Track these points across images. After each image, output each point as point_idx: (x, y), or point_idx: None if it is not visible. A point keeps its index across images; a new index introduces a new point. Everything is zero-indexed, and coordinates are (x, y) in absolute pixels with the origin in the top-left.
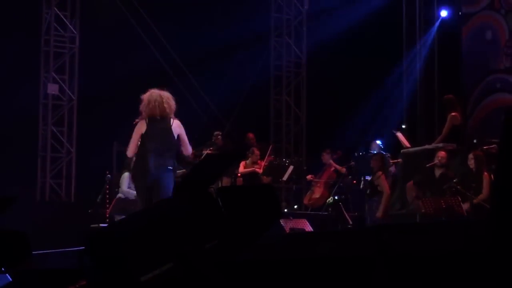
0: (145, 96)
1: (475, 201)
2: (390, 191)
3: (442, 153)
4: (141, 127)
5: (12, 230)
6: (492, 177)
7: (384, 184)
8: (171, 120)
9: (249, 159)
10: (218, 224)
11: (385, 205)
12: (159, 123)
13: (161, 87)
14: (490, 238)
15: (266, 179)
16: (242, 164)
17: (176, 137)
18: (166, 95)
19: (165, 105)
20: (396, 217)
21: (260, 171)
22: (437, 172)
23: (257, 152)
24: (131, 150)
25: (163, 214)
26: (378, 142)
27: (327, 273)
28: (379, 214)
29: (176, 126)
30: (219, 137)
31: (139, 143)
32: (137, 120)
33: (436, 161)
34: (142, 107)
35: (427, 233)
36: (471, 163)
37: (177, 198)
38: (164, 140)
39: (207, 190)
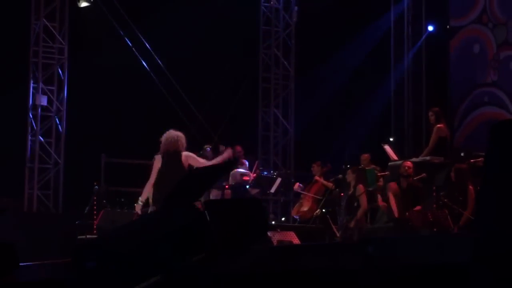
0: (164, 136)
1: (463, 218)
2: (367, 207)
3: (408, 164)
4: (158, 162)
5: None
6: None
7: (363, 199)
8: (181, 154)
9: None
10: (206, 237)
11: (359, 217)
12: (172, 156)
13: (175, 128)
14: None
15: (253, 191)
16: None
17: (187, 166)
18: (179, 135)
19: (179, 143)
20: (383, 230)
21: (250, 179)
22: (403, 183)
23: (245, 164)
24: (150, 182)
25: (151, 227)
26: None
27: (313, 287)
28: (351, 223)
29: (185, 158)
30: (208, 150)
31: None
32: (155, 156)
33: (403, 172)
34: (161, 144)
35: (412, 246)
36: (452, 176)
37: (165, 211)
38: (176, 171)
39: (194, 203)
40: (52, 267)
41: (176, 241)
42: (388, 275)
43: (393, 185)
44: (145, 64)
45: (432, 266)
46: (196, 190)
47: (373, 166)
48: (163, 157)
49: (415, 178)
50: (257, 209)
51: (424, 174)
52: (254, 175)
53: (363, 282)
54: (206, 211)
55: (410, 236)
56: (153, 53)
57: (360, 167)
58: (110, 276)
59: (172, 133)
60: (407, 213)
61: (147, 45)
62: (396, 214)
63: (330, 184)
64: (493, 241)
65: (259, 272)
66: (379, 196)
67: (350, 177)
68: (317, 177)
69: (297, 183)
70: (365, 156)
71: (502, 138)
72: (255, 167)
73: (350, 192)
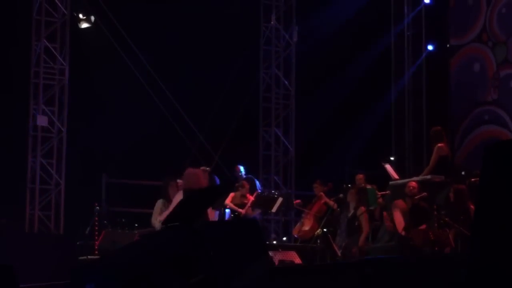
0: (185, 173)
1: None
2: (369, 229)
3: (412, 184)
4: (179, 196)
5: None
6: None
7: (364, 221)
8: None
9: (238, 191)
10: (204, 258)
11: (362, 243)
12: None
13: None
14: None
15: (253, 213)
16: (231, 195)
17: None
18: (199, 172)
19: (201, 181)
20: (384, 249)
21: (243, 212)
22: (408, 203)
23: (246, 185)
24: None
25: (149, 250)
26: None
27: None
28: (354, 249)
29: None
30: (206, 170)
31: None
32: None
33: (422, 193)
34: (184, 181)
35: (410, 267)
36: (451, 196)
37: (163, 233)
38: None
39: (192, 225)
40: None
41: (174, 264)
42: None
43: (400, 203)
44: (146, 85)
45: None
46: (194, 212)
47: (368, 186)
48: (185, 193)
49: (415, 197)
50: (254, 230)
51: (425, 193)
52: (254, 199)
53: None
54: (203, 233)
55: (408, 258)
56: (154, 74)
57: (362, 186)
58: None
59: (192, 171)
60: (406, 232)
61: (148, 66)
62: (400, 231)
63: (332, 203)
64: (488, 262)
65: None
66: (385, 214)
67: (351, 197)
68: (321, 194)
69: (297, 200)
70: (360, 176)
71: (496, 159)
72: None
73: (350, 213)
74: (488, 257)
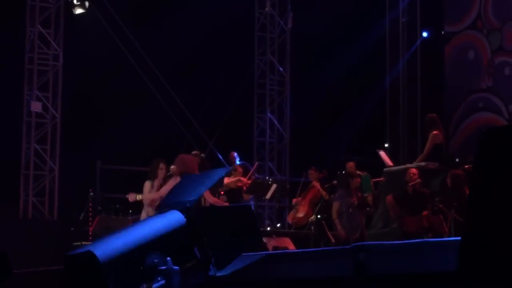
0: (179, 159)
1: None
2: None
3: (413, 170)
4: (175, 180)
5: None
6: None
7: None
8: None
9: (232, 175)
10: (198, 244)
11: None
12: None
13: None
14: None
15: (247, 197)
16: (225, 180)
17: None
18: (193, 158)
19: (196, 166)
20: (378, 236)
21: (245, 182)
22: (409, 189)
23: (239, 169)
24: (160, 193)
25: (143, 235)
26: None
27: None
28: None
29: None
30: (199, 155)
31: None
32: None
33: (417, 179)
34: (178, 166)
35: (403, 253)
36: (448, 181)
37: (158, 218)
38: None
39: (187, 210)
40: (45, 274)
41: (168, 248)
42: (379, 283)
43: (388, 198)
44: (140, 71)
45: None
46: (189, 196)
47: (359, 172)
48: (181, 177)
49: (409, 184)
50: (248, 216)
51: (419, 180)
52: (248, 181)
53: None
54: (197, 218)
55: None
56: (148, 60)
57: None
58: (103, 284)
59: (188, 156)
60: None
61: (142, 52)
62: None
63: (324, 193)
64: (480, 247)
65: (251, 279)
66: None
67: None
68: (314, 183)
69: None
70: (351, 164)
71: (490, 145)
72: (252, 170)
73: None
74: (481, 242)
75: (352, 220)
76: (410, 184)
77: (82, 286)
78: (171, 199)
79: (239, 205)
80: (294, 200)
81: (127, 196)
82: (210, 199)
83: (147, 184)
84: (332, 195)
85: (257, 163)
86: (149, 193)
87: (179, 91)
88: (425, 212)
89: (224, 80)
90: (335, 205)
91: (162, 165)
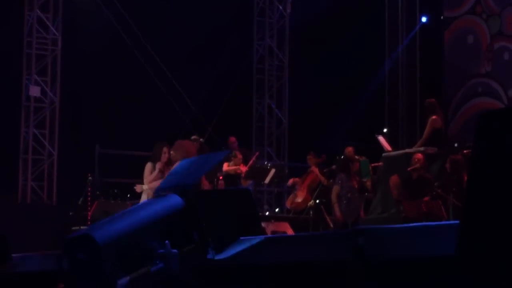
0: (178, 145)
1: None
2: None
3: (418, 155)
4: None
5: None
6: None
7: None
8: None
9: (232, 161)
10: (196, 227)
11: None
12: None
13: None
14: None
15: (245, 183)
16: (225, 165)
17: None
18: (191, 144)
19: (196, 152)
20: (377, 221)
21: (244, 170)
22: (414, 175)
23: (239, 155)
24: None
25: (141, 218)
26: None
27: (304, 277)
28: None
29: None
30: (198, 140)
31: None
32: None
33: (417, 165)
34: (177, 152)
35: (403, 237)
36: (448, 167)
37: (156, 201)
38: None
39: (185, 193)
40: (44, 258)
41: (166, 232)
42: (377, 267)
43: (394, 178)
44: (139, 56)
45: (425, 258)
46: (187, 179)
47: (357, 157)
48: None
49: (408, 169)
50: (247, 199)
51: (418, 165)
52: (247, 168)
53: (351, 274)
54: (196, 201)
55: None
56: (146, 44)
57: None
58: (101, 267)
59: (187, 142)
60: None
61: (141, 37)
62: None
63: (323, 179)
64: (479, 231)
65: (250, 262)
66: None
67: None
68: (313, 167)
69: (291, 180)
70: (349, 149)
71: (489, 128)
72: (252, 159)
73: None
74: (479, 226)
75: (350, 204)
76: (410, 168)
77: (81, 269)
78: (170, 182)
79: (238, 189)
80: (290, 181)
81: (135, 187)
82: (205, 186)
83: (148, 166)
84: (331, 180)
85: (257, 152)
86: (150, 175)
87: (177, 76)
88: (426, 198)
89: (223, 65)
90: (335, 189)
91: (165, 149)
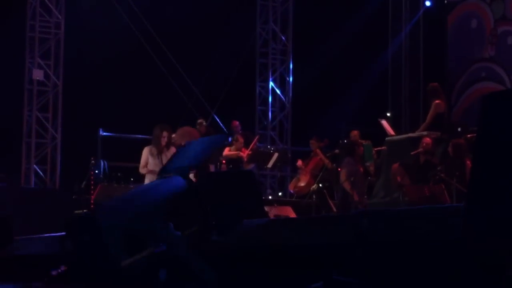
0: (183, 132)
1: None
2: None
3: (427, 140)
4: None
5: None
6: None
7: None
8: None
9: (233, 146)
10: (199, 209)
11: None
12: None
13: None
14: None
15: (247, 166)
16: (226, 150)
17: None
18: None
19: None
20: (379, 205)
21: (245, 155)
22: (421, 159)
23: (241, 139)
24: None
25: (144, 200)
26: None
27: (308, 260)
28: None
29: None
30: (203, 124)
31: None
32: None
33: (420, 148)
34: (181, 138)
35: (406, 220)
36: (450, 151)
37: (158, 183)
38: None
39: (188, 176)
40: (47, 240)
41: (169, 214)
42: (381, 249)
43: (395, 167)
44: (142, 40)
45: (427, 241)
46: (190, 162)
47: (364, 141)
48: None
49: (412, 153)
50: (251, 182)
51: (421, 149)
52: (249, 152)
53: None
54: (199, 184)
55: (406, 209)
56: (150, 28)
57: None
58: (104, 248)
59: (191, 129)
60: (403, 189)
61: (144, 20)
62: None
63: (327, 161)
64: (485, 213)
65: (253, 245)
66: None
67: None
68: (317, 151)
69: (300, 161)
70: (355, 133)
71: (494, 109)
72: (253, 142)
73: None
74: (485, 208)
75: (355, 188)
76: (414, 152)
77: (84, 251)
78: (173, 165)
79: (242, 171)
80: (299, 161)
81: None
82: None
83: (145, 151)
84: (334, 164)
85: (257, 136)
86: (145, 162)
87: (181, 59)
88: (430, 182)
89: (226, 48)
90: (343, 173)
91: (165, 133)
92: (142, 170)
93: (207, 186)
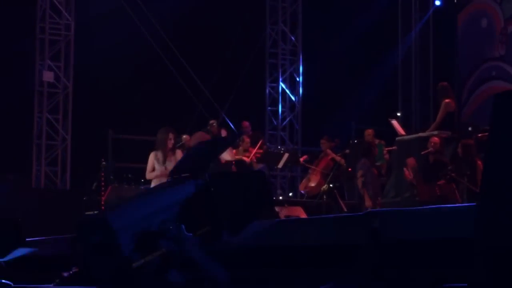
0: (198, 137)
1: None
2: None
3: (435, 139)
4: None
5: (5, 217)
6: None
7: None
8: None
9: (240, 147)
10: (210, 210)
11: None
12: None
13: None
14: (478, 224)
15: (257, 166)
16: (233, 152)
17: None
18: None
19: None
20: (390, 205)
21: (248, 160)
22: (431, 158)
23: (247, 139)
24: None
25: (155, 201)
26: None
27: (319, 260)
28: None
29: None
30: (214, 125)
31: None
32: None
33: (430, 148)
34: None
35: (417, 219)
36: (459, 151)
37: (169, 184)
38: None
39: (199, 177)
40: (58, 242)
41: (180, 215)
42: (393, 249)
43: (411, 161)
44: (152, 41)
45: (439, 240)
46: (199, 163)
47: (377, 141)
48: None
49: (422, 153)
50: (262, 182)
51: (431, 149)
52: (256, 153)
53: (367, 256)
54: (211, 185)
55: (418, 209)
56: (159, 29)
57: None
58: (115, 250)
59: (205, 135)
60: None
61: (154, 21)
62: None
63: (342, 160)
64: (497, 212)
65: (264, 245)
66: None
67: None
68: (328, 150)
69: (305, 156)
70: (369, 131)
71: (506, 107)
72: (259, 144)
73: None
74: (498, 208)
75: (368, 189)
76: (424, 152)
77: (95, 252)
78: (184, 166)
79: (253, 172)
80: (303, 158)
81: None
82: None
83: (151, 157)
84: (344, 164)
85: (261, 140)
86: (152, 168)
87: (190, 60)
88: (441, 181)
89: (236, 49)
90: (360, 173)
91: (171, 135)
92: (148, 176)
93: (219, 186)
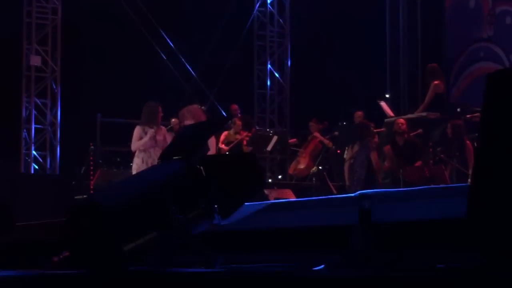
0: (188, 111)
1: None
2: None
3: (401, 120)
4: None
5: None
6: (475, 144)
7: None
8: None
9: (232, 129)
10: (202, 193)
11: None
12: None
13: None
14: (471, 205)
15: (247, 149)
16: (224, 134)
17: None
18: (199, 108)
19: (201, 117)
20: (380, 187)
21: (244, 142)
22: (400, 140)
23: (238, 122)
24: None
25: (146, 184)
26: None
27: (310, 242)
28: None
29: None
30: (202, 108)
31: None
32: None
33: (397, 129)
34: (187, 118)
35: (408, 200)
36: (449, 132)
37: (160, 166)
38: None
39: (190, 159)
40: (48, 227)
41: (171, 197)
42: (384, 230)
43: (386, 148)
44: (140, 25)
45: (429, 221)
46: (190, 145)
47: (375, 130)
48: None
49: (411, 134)
50: (252, 164)
51: (420, 130)
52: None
53: (358, 238)
54: (201, 166)
55: (408, 190)
56: (147, 12)
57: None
58: (106, 234)
59: (194, 107)
60: (401, 170)
61: (141, 4)
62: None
63: (330, 143)
64: (490, 193)
65: (257, 228)
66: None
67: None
68: (316, 133)
69: (294, 139)
70: (359, 113)
71: (498, 86)
72: (252, 131)
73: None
74: (491, 188)
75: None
76: (411, 134)
77: (86, 236)
78: (174, 147)
79: (244, 153)
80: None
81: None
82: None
83: (137, 130)
84: (333, 146)
85: (254, 129)
86: (139, 140)
87: (178, 43)
88: (418, 162)
89: (224, 31)
90: (348, 157)
91: (160, 109)
92: (134, 146)
93: (209, 169)
